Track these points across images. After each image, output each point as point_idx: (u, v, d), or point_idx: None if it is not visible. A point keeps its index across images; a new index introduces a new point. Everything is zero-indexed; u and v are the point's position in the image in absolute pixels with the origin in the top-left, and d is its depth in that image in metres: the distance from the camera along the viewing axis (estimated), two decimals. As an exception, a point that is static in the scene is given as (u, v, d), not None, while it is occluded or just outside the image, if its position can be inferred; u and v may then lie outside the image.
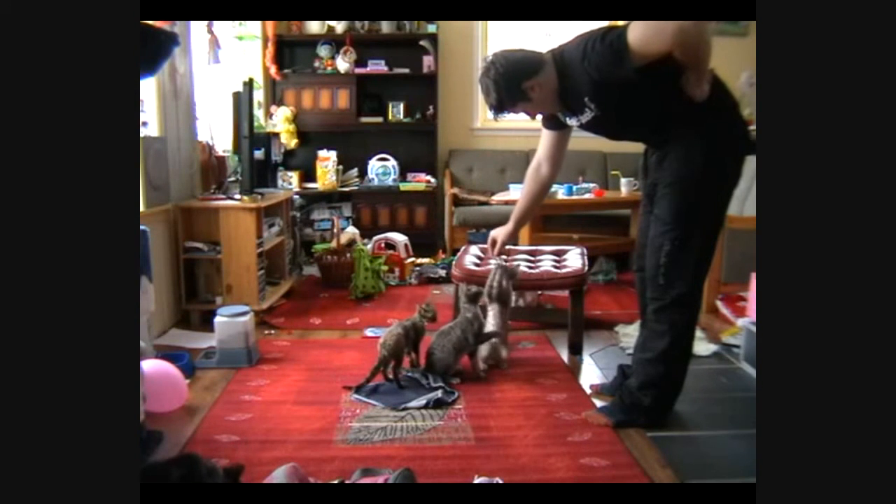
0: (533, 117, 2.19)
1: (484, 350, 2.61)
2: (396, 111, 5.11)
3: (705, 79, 1.85)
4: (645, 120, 2.02)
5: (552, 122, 2.22)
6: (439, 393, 2.35)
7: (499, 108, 2.03)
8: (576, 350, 2.89)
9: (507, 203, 4.05)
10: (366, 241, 4.35)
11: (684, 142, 1.95)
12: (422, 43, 5.03)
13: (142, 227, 2.42)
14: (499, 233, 2.56)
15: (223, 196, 3.50)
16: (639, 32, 1.76)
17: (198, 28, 3.64)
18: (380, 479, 1.64)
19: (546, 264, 3.06)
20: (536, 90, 1.98)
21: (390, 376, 2.46)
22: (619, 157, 5.03)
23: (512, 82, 1.96)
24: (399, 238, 4.48)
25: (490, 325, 2.63)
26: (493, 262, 2.74)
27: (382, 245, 4.43)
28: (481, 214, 4.77)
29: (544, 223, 4.55)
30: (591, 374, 2.67)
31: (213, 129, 3.81)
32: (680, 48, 1.75)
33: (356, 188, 5.03)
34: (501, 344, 2.66)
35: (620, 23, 1.85)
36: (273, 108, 4.95)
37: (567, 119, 2.09)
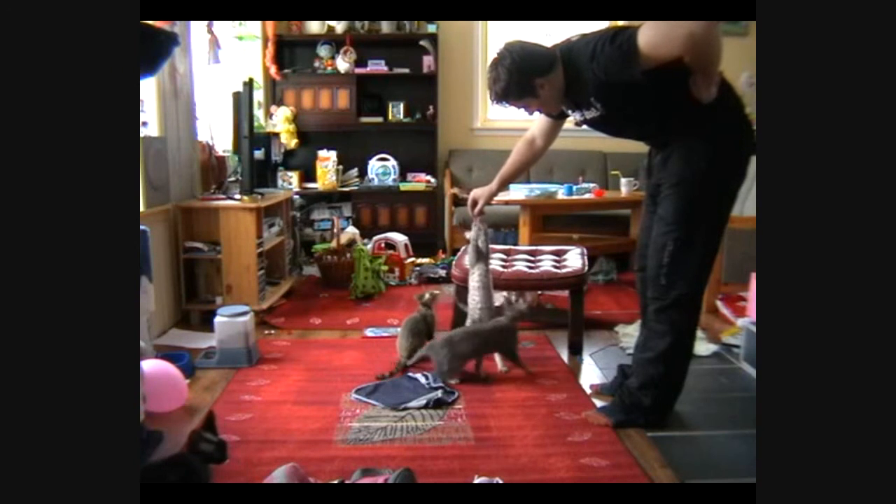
0: (531, 113, 2.18)
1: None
2: (396, 111, 5.11)
3: (713, 81, 1.84)
4: (650, 120, 2.01)
5: (553, 114, 2.22)
6: (439, 393, 2.35)
7: (503, 97, 2.02)
8: (576, 350, 2.89)
9: (507, 203, 4.05)
10: (366, 241, 4.35)
11: (689, 142, 1.95)
12: (422, 43, 5.03)
13: (142, 227, 2.42)
14: (480, 193, 2.56)
15: (223, 196, 3.50)
16: (649, 36, 1.74)
17: (198, 28, 3.64)
18: (380, 479, 1.64)
19: (546, 264, 3.06)
20: (545, 88, 1.97)
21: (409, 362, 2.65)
22: (619, 157, 5.03)
23: (524, 76, 1.95)
24: (399, 238, 4.48)
25: (474, 286, 2.64)
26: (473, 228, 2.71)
27: (382, 245, 4.43)
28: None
29: (544, 223, 4.55)
30: (591, 374, 2.67)
31: (213, 129, 3.81)
32: (690, 53, 1.74)
33: (356, 188, 5.03)
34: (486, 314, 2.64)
35: (621, 23, 1.84)
36: (273, 108, 4.95)
37: (572, 114, 2.09)
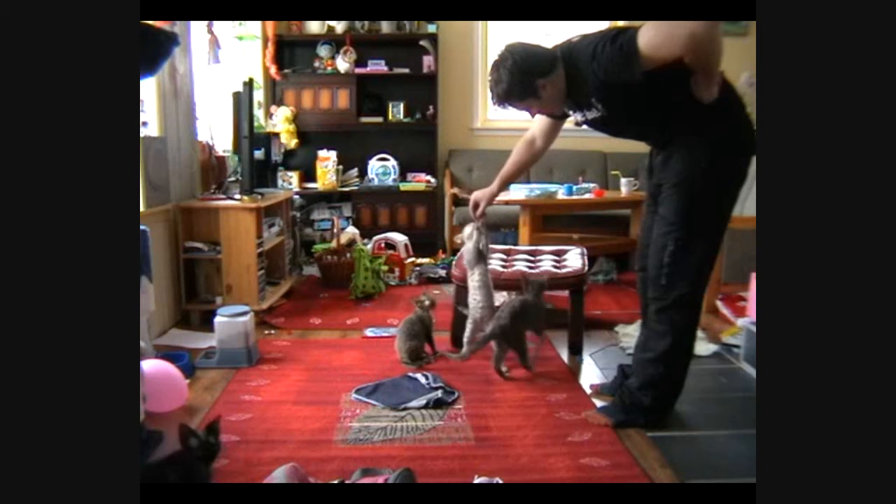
0: (533, 115, 2.18)
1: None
2: (396, 111, 5.11)
3: (714, 81, 1.84)
4: (651, 120, 2.01)
5: (555, 114, 2.22)
6: (439, 393, 2.35)
7: (505, 99, 2.01)
8: (576, 350, 2.89)
9: (507, 203, 4.05)
10: (366, 241, 4.35)
11: (690, 142, 1.95)
12: (422, 43, 5.03)
13: (142, 227, 2.42)
14: (481, 195, 2.56)
15: (223, 196, 3.50)
16: (649, 37, 1.74)
17: (198, 28, 3.64)
18: (380, 479, 1.64)
19: (546, 264, 3.06)
20: (548, 89, 1.97)
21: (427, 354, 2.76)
22: (619, 157, 5.03)
23: (526, 77, 1.95)
24: (399, 238, 4.48)
25: (475, 285, 2.65)
26: (469, 227, 2.72)
27: (382, 245, 4.43)
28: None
29: (544, 223, 4.55)
30: (591, 374, 2.67)
31: (213, 129, 3.81)
32: (691, 53, 1.74)
33: (356, 188, 5.03)
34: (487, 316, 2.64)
35: (621, 23, 1.84)
36: (273, 108, 4.95)
37: (573, 114, 2.09)
